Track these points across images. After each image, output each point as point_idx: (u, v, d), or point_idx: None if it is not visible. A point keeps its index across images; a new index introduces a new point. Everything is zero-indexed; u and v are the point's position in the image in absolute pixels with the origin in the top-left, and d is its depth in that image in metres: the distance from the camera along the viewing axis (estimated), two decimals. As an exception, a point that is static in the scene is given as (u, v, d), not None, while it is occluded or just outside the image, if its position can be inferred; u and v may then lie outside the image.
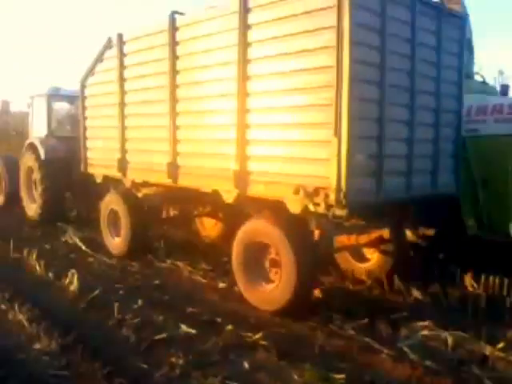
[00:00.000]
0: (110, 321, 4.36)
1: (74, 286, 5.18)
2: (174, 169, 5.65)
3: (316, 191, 4.09)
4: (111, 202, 6.91)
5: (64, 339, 3.90)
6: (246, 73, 4.65)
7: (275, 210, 4.56)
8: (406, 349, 3.80)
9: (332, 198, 3.96)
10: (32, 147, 9.06)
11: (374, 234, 5.55)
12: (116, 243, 6.80)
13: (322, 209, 4.06)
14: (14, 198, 9.83)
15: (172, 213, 8.31)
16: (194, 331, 4.12)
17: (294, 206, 4.31)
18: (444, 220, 5.56)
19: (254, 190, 4.73)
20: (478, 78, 7.08)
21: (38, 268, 5.95)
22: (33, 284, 5.53)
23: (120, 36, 6.38)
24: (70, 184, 8.89)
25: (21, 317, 4.38)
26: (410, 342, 3.92)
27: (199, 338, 4.00)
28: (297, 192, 4.24)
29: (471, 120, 6.20)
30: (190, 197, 6.20)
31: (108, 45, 6.65)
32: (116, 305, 4.54)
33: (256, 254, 4.75)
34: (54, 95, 9.20)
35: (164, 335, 4.03)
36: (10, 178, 9.92)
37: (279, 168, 4.44)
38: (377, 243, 5.62)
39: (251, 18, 4.60)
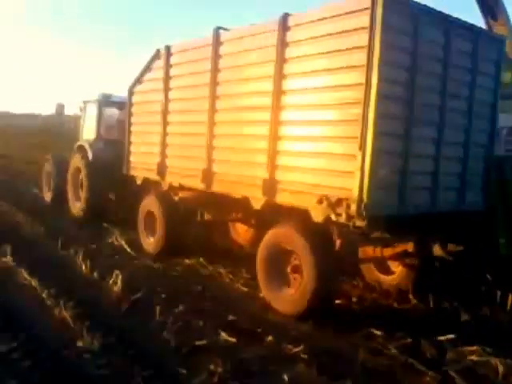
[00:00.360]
0: (152, 323, 4.40)
1: (117, 287, 5.24)
2: (207, 175, 5.97)
3: (338, 202, 4.25)
4: (149, 204, 7.32)
5: (106, 339, 3.96)
6: (281, 87, 4.91)
7: (299, 218, 4.75)
8: (452, 373, 3.67)
9: (353, 209, 4.11)
10: (81, 149, 9.71)
11: (399, 248, 5.62)
12: (150, 242, 7.17)
13: (343, 219, 4.21)
14: (60, 195, 10.45)
15: (206, 217, 8.61)
16: (233, 340, 4.11)
17: (317, 215, 4.49)
18: (473, 237, 5.55)
19: (280, 197, 4.95)
20: None
21: (83, 267, 6.07)
22: (78, 283, 5.62)
23: (168, 48, 6.84)
24: (113, 185, 9.40)
25: (66, 314, 4.46)
26: (457, 366, 3.79)
27: (239, 347, 4.00)
28: (320, 202, 4.42)
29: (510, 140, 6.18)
30: (221, 202, 6.48)
31: (156, 56, 7.13)
32: (158, 308, 4.58)
33: (279, 259, 4.94)
34: (105, 101, 9.83)
35: (204, 342, 4.04)
36: (58, 176, 10.58)
37: (305, 178, 4.64)
38: (401, 257, 5.69)
39: (289, 36, 4.87)
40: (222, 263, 6.48)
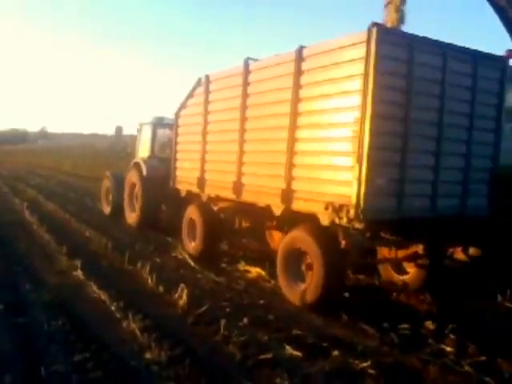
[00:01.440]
0: (217, 337, 4.46)
1: (182, 301, 5.33)
2: (238, 186, 6.80)
3: (341, 207, 4.89)
4: (191, 213, 8.28)
5: (173, 351, 4.04)
6: (297, 110, 5.66)
7: (311, 222, 5.42)
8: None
9: (352, 213, 4.73)
10: (137, 166, 10.98)
11: (411, 249, 6.08)
12: (192, 246, 8.10)
13: (344, 222, 4.84)
14: (119, 209, 11.77)
15: (244, 224, 9.34)
16: (299, 354, 4.12)
17: (324, 219, 5.15)
18: (485, 241, 5.92)
19: (296, 205, 5.66)
20: None
21: (149, 281, 6.20)
22: (145, 296, 5.75)
23: (207, 77, 7.84)
24: (164, 197, 10.52)
25: (134, 326, 4.58)
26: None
27: (305, 361, 4.00)
28: (327, 208, 5.08)
29: None
30: (252, 210, 7.27)
31: (198, 83, 8.16)
32: (223, 322, 4.62)
33: (295, 258, 5.62)
34: (158, 123, 11.09)
35: (269, 355, 4.06)
36: (116, 192, 11.91)
37: (315, 187, 5.34)
38: (413, 258, 6.14)
39: (303, 66, 5.63)
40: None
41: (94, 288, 5.82)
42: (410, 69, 4.89)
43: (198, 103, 8.13)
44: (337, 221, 4.95)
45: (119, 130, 14.20)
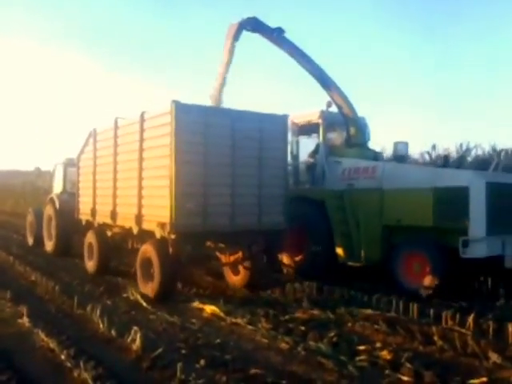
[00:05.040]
0: (173, 382, 4.34)
1: (136, 345, 5.18)
2: (113, 213, 8.93)
3: (164, 225, 7.14)
4: (89, 237, 10.24)
5: None
6: (142, 156, 7.91)
7: (152, 237, 7.62)
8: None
9: (169, 228, 6.99)
10: (51, 200, 12.89)
11: (237, 255, 8.37)
12: (90, 264, 9.98)
13: (166, 234, 7.09)
14: (40, 239, 13.55)
15: (135, 245, 11.26)
16: None
17: (158, 234, 7.38)
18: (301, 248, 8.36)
19: (144, 225, 7.87)
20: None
21: (101, 325, 6.03)
22: (97, 341, 5.61)
23: (95, 130, 10.02)
24: (76, 227, 12.37)
25: (86, 375, 4.40)
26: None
27: None
28: (158, 225, 7.31)
29: (347, 177, 9.05)
30: (129, 234, 9.37)
31: (89, 135, 10.31)
32: (179, 365, 4.48)
33: (147, 263, 7.72)
34: (69, 163, 13.10)
35: None
36: (37, 224, 13.77)
37: (152, 211, 7.59)
38: (241, 261, 8.42)
39: (145, 125, 7.92)
40: (239, 313, 6.59)
41: (42, 336, 5.59)
42: (204, 128, 7.26)
43: (90, 150, 10.27)
44: (163, 234, 7.19)
45: (38, 170, 16.00)
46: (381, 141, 12.25)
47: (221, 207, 7.48)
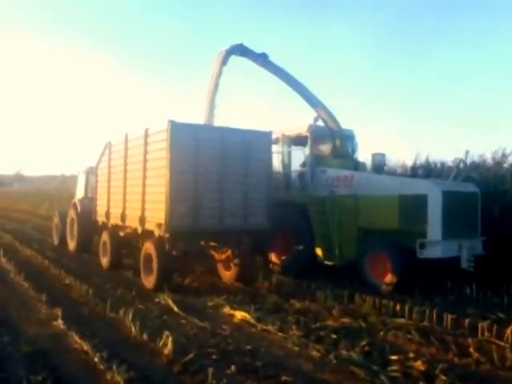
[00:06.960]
0: None
1: (167, 349, 5.24)
2: (123, 216, 10.30)
3: (161, 225, 8.41)
4: (104, 236, 11.64)
5: None
6: (146, 167, 9.25)
7: (153, 235, 8.91)
8: None
9: (163, 228, 8.26)
10: (74, 205, 14.47)
11: (228, 253, 9.55)
12: (104, 261, 11.41)
13: (162, 233, 8.35)
14: (64, 240, 15.13)
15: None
16: None
17: (156, 233, 8.66)
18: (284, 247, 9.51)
19: (147, 226, 9.17)
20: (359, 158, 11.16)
21: (133, 329, 6.11)
22: (129, 345, 5.67)
23: (110, 142, 11.47)
24: (95, 229, 13.87)
25: (119, 378, 4.46)
26: None
27: None
28: (157, 225, 8.60)
29: (330, 185, 10.11)
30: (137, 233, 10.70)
31: (106, 146, 11.77)
32: (210, 370, 4.54)
33: (148, 259, 9.02)
34: (90, 171, 14.64)
35: None
36: (62, 226, 15.37)
37: (153, 213, 8.88)
38: (231, 259, 9.59)
39: (148, 139, 9.25)
40: (270, 320, 6.55)
41: (76, 338, 5.74)
42: (196, 143, 8.51)
43: (105, 160, 11.72)
44: (160, 233, 8.47)
45: (63, 177, 17.68)
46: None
47: (210, 210, 8.69)
